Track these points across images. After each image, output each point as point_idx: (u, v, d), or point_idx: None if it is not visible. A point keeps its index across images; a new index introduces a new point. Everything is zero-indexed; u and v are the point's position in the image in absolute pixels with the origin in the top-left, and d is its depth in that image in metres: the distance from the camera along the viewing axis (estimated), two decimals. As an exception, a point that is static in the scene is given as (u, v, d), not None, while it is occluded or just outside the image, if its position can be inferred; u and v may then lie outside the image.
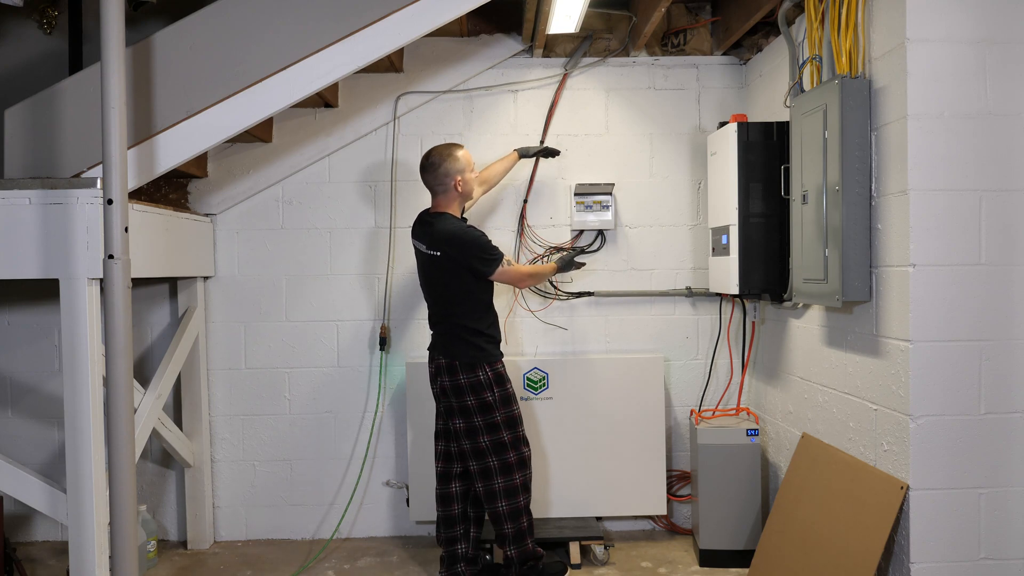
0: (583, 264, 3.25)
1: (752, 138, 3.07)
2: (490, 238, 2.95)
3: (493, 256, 2.89)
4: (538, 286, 3.63)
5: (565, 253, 3.38)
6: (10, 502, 3.47)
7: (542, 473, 3.46)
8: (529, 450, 3.01)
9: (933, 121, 2.30)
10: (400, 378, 3.62)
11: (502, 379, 2.96)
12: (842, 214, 2.49)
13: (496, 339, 2.99)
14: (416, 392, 3.47)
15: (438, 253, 2.89)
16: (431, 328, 3.05)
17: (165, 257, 3.00)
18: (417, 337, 3.65)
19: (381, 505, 3.67)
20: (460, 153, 2.96)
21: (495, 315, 3.02)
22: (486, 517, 3.14)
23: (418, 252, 3.02)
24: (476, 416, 2.91)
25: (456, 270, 2.89)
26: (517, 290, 3.63)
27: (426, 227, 2.96)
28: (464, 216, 3.08)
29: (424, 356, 3.62)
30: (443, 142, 3.60)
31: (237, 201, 3.59)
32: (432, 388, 3.05)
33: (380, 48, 2.66)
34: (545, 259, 3.63)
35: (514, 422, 2.96)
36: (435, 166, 2.94)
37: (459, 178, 2.94)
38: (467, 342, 2.91)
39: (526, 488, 2.99)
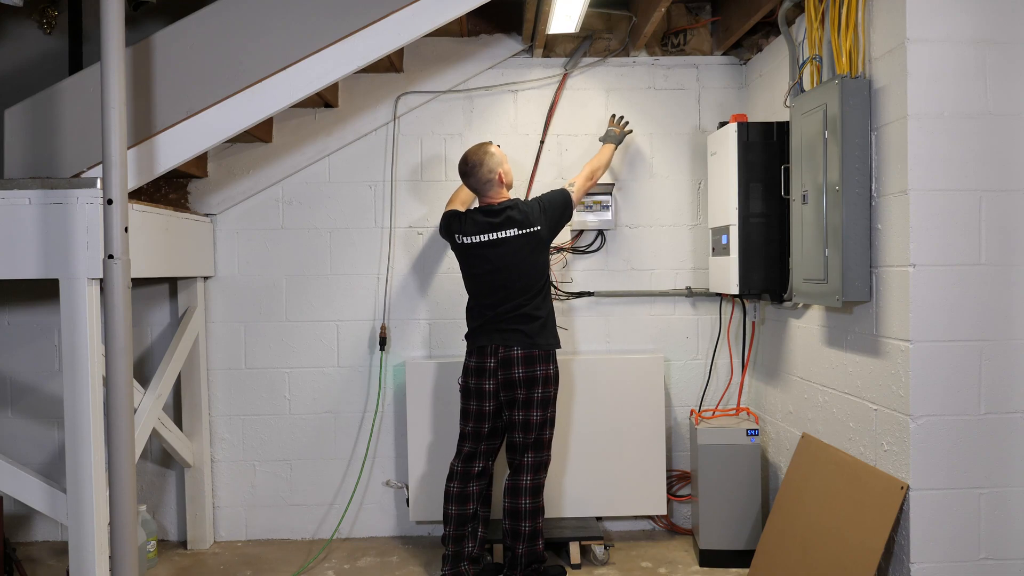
0: (630, 129, 3.48)
1: (752, 138, 3.07)
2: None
3: (563, 192, 3.08)
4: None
5: (608, 130, 3.42)
6: (10, 502, 3.47)
7: (542, 473, 3.46)
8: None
9: (933, 121, 2.30)
10: (400, 378, 3.62)
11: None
12: (842, 214, 2.49)
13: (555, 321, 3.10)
14: (416, 392, 3.47)
15: (537, 227, 2.96)
16: (487, 323, 3.00)
17: (165, 257, 3.00)
18: (417, 337, 3.65)
19: (381, 505, 3.67)
20: (493, 148, 3.04)
21: None
22: (491, 516, 3.16)
23: (479, 246, 2.98)
24: (537, 409, 2.97)
25: (545, 243, 3.01)
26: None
27: (503, 213, 2.97)
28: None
29: (425, 356, 3.64)
30: (444, 142, 3.63)
31: (237, 201, 3.59)
32: (481, 384, 3.01)
33: (380, 48, 2.66)
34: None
35: (554, 421, 3.07)
36: (477, 167, 3.00)
37: (500, 170, 3.01)
38: (546, 327, 2.99)
39: (543, 488, 3.06)
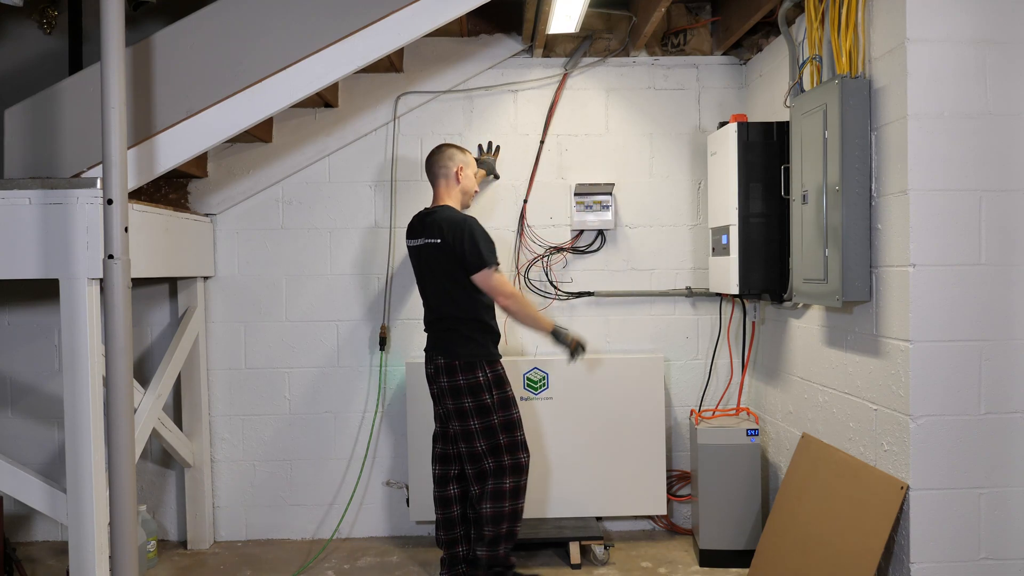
0: (581, 350, 2.99)
1: (752, 138, 3.07)
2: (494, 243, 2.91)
3: (483, 252, 2.81)
4: (537, 286, 3.63)
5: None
6: (10, 502, 3.47)
7: (542, 473, 3.46)
8: (528, 456, 2.95)
9: (933, 121, 2.30)
10: (400, 378, 3.62)
11: (501, 381, 2.92)
12: (842, 214, 2.49)
13: (497, 337, 2.95)
14: (416, 392, 3.47)
15: (439, 240, 2.86)
16: (428, 328, 3.02)
17: (165, 257, 3.00)
18: (417, 337, 3.64)
19: (381, 505, 3.67)
20: (465, 151, 3.05)
21: (494, 312, 2.96)
22: None
23: (415, 249, 2.99)
24: (473, 419, 2.87)
25: (457, 259, 2.85)
26: (517, 288, 3.61)
27: (426, 218, 2.96)
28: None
29: (422, 356, 3.63)
30: (443, 142, 3.62)
31: (237, 201, 3.59)
32: (430, 389, 3.03)
33: (380, 48, 2.66)
34: (545, 259, 3.63)
35: (512, 425, 2.91)
36: (440, 152, 2.99)
37: (461, 166, 2.96)
38: (468, 338, 2.87)
39: (516, 494, 2.91)
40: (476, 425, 2.87)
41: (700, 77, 3.67)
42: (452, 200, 3.00)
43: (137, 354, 3.62)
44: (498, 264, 2.87)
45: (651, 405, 3.48)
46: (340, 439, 3.65)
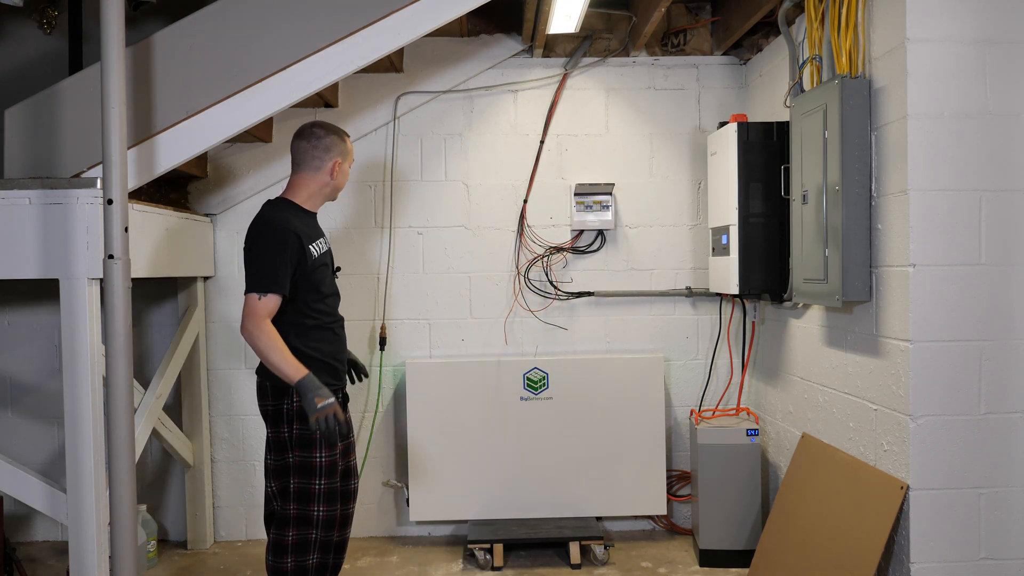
0: (326, 425, 2.30)
1: (752, 138, 3.08)
2: (301, 251, 2.40)
3: (251, 273, 2.40)
4: (537, 286, 3.63)
5: (326, 402, 2.30)
6: (10, 502, 3.47)
7: (543, 473, 3.47)
8: (327, 514, 2.48)
9: (933, 121, 2.30)
10: (399, 378, 3.62)
11: (307, 414, 2.37)
12: (842, 214, 2.49)
13: (322, 361, 2.49)
14: (416, 392, 3.47)
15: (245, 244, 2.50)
16: None
17: (165, 257, 2.99)
18: (416, 337, 3.64)
19: (381, 505, 3.67)
20: (345, 137, 2.60)
21: (330, 332, 2.54)
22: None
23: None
24: (270, 452, 2.53)
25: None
26: (517, 288, 3.63)
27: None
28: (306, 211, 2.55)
29: (425, 356, 3.64)
30: (444, 142, 3.63)
31: (237, 201, 3.59)
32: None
33: (380, 48, 2.66)
34: (545, 259, 3.63)
35: (309, 470, 2.45)
36: (319, 137, 2.52)
37: (338, 160, 2.53)
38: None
39: (299, 550, 2.46)
40: (270, 460, 2.53)
41: (700, 77, 3.67)
42: (303, 195, 2.54)
43: (137, 354, 3.62)
44: (269, 293, 2.35)
45: (651, 405, 3.48)
46: (340, 439, 3.65)
